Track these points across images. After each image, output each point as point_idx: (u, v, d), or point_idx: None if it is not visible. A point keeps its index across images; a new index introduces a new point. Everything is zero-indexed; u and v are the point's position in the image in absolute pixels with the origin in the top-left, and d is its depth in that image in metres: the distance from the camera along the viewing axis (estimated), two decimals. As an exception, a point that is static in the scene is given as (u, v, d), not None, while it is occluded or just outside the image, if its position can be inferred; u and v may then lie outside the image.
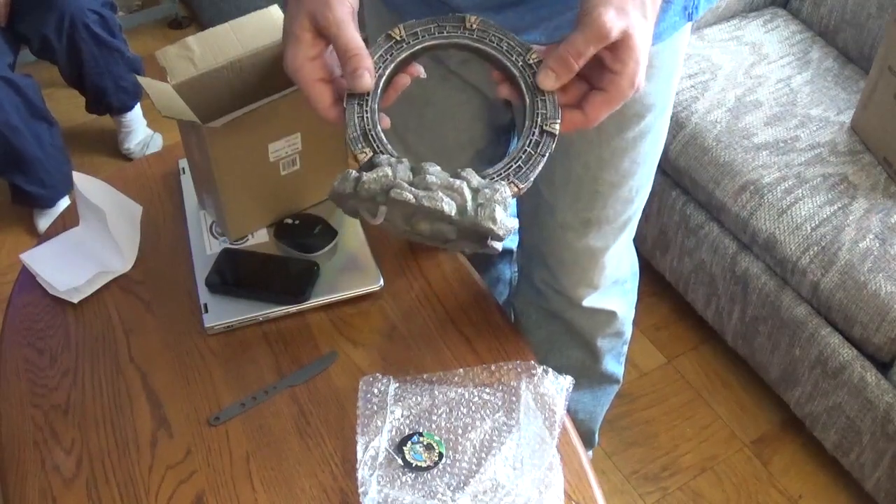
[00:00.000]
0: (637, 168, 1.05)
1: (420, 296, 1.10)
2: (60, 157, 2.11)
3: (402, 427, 0.94)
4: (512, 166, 0.75)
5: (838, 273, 1.50)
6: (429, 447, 0.92)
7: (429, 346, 1.04)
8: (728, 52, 1.84)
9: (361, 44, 0.73)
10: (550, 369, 0.98)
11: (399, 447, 0.92)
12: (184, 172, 1.22)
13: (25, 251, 1.14)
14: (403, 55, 0.76)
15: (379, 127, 0.75)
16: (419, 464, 0.90)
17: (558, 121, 0.75)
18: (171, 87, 1.03)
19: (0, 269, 2.06)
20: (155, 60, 1.05)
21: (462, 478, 0.90)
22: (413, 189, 0.70)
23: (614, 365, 1.38)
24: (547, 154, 0.75)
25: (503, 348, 1.04)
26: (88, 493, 0.91)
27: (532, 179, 0.75)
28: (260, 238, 1.13)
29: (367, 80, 0.73)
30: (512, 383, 0.98)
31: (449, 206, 0.70)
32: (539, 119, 0.75)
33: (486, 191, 0.72)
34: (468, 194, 0.71)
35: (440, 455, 0.91)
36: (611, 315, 1.25)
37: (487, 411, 0.95)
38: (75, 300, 1.08)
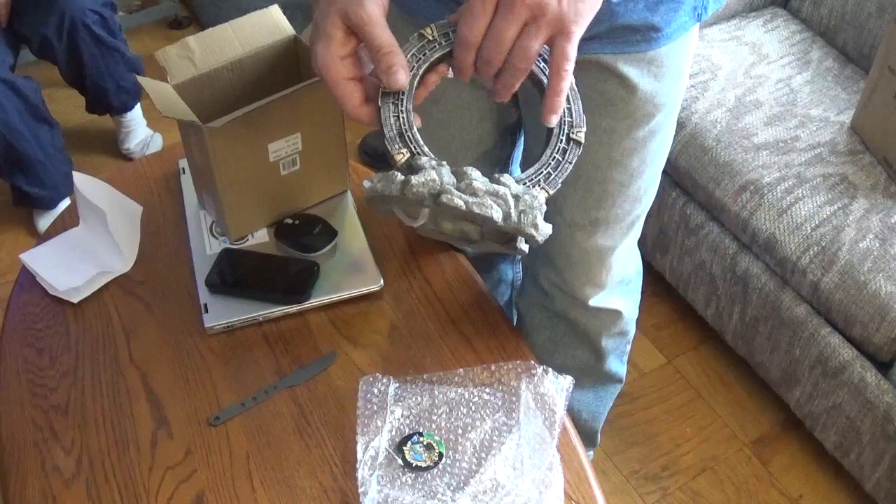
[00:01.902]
0: (646, 167, 1.05)
1: (420, 296, 1.10)
2: (61, 158, 2.12)
3: (402, 427, 0.94)
4: (542, 172, 0.77)
5: (838, 273, 1.50)
6: (429, 447, 0.92)
7: (429, 346, 1.04)
8: (728, 52, 1.84)
9: (394, 41, 0.72)
10: (550, 369, 0.98)
11: (399, 447, 0.92)
12: (184, 172, 1.22)
13: (25, 251, 1.14)
14: (437, 55, 0.76)
15: (415, 127, 0.76)
16: (419, 464, 0.90)
17: (583, 129, 0.77)
18: (171, 87, 1.03)
19: (0, 269, 2.06)
20: (155, 60, 1.05)
21: (462, 478, 0.90)
22: (463, 195, 0.71)
23: (618, 364, 1.38)
24: (574, 161, 0.77)
25: (503, 348, 1.04)
26: (88, 493, 0.91)
27: (560, 184, 0.77)
28: (260, 238, 1.13)
29: (402, 77, 0.72)
30: (512, 383, 0.98)
31: (497, 213, 0.71)
32: (566, 127, 0.77)
33: (527, 197, 0.73)
34: (511, 201, 0.73)
35: (440, 455, 0.91)
36: (616, 314, 1.25)
37: (487, 411, 0.95)
38: (75, 300, 1.08)
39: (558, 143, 0.77)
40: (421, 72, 0.76)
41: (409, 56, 0.75)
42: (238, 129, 1.00)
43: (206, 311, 1.04)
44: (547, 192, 0.76)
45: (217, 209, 1.10)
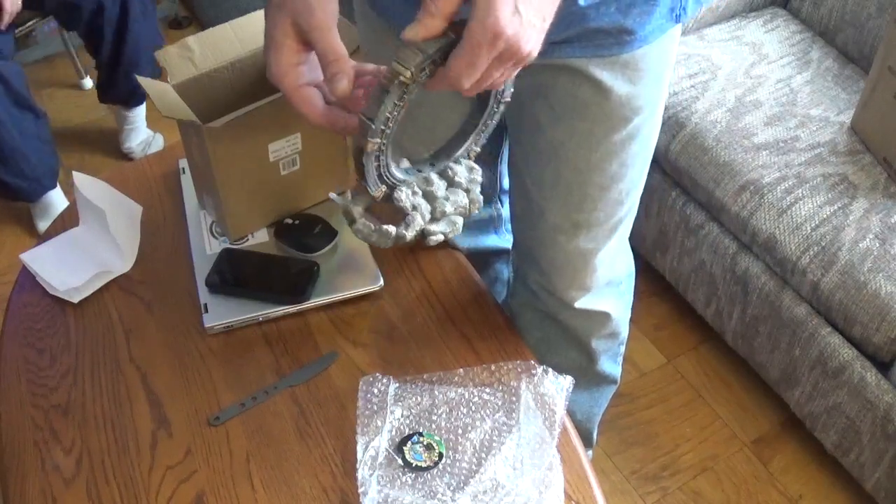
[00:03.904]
0: (626, 170, 1.05)
1: (420, 295, 1.10)
2: (47, 150, 2.04)
3: (402, 427, 0.94)
4: (478, 140, 0.90)
5: (838, 273, 1.50)
6: (429, 447, 0.92)
7: (429, 346, 1.04)
8: (728, 52, 1.84)
9: (342, 49, 0.73)
10: (550, 369, 0.98)
11: (399, 447, 0.92)
12: (184, 172, 1.22)
13: (25, 251, 1.14)
14: (412, 95, 0.73)
15: (392, 167, 0.81)
16: (419, 464, 0.90)
17: (511, 90, 0.84)
18: (171, 87, 1.03)
19: (0, 269, 2.06)
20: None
21: (462, 478, 0.90)
22: (441, 229, 0.87)
23: (611, 365, 1.38)
24: (499, 112, 0.87)
25: (503, 348, 1.04)
26: (88, 493, 0.91)
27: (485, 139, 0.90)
28: (260, 238, 1.13)
29: (345, 84, 0.73)
30: (512, 383, 0.98)
31: (460, 223, 0.89)
32: (498, 95, 0.85)
33: (474, 187, 0.89)
34: (465, 200, 0.88)
35: (440, 455, 0.91)
36: (605, 316, 1.25)
37: (487, 411, 0.95)
38: (75, 300, 1.08)
39: (492, 112, 0.86)
40: (400, 116, 0.73)
41: (390, 106, 0.72)
42: (238, 129, 1.00)
43: (206, 311, 1.04)
44: (476, 152, 0.90)
45: (217, 209, 1.10)
